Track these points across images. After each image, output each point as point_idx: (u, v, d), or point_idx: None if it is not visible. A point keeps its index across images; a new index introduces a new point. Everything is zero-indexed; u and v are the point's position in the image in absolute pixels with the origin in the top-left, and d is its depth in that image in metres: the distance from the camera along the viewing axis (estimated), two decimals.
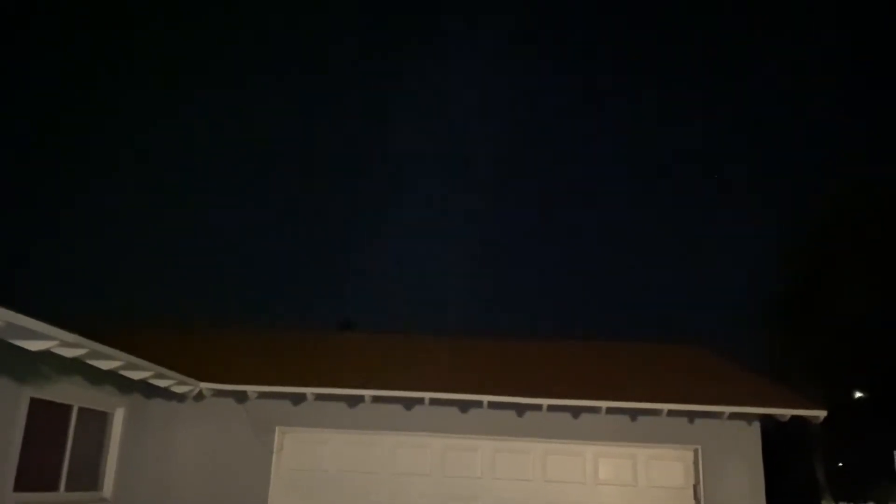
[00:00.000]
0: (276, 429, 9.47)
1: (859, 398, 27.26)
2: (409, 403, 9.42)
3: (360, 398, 9.26)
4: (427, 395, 9.07)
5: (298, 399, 9.38)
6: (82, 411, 7.66)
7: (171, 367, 8.18)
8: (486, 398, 9.00)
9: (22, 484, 6.52)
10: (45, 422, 7.01)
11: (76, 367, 6.99)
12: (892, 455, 27.45)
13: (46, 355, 6.28)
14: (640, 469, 9.42)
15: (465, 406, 9.38)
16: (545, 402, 8.98)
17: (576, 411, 9.28)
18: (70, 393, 7.35)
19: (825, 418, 8.92)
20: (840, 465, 32.66)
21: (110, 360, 7.02)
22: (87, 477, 7.90)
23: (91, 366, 7.02)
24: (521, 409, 9.29)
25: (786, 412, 8.94)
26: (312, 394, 9.17)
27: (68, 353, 6.41)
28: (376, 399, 9.27)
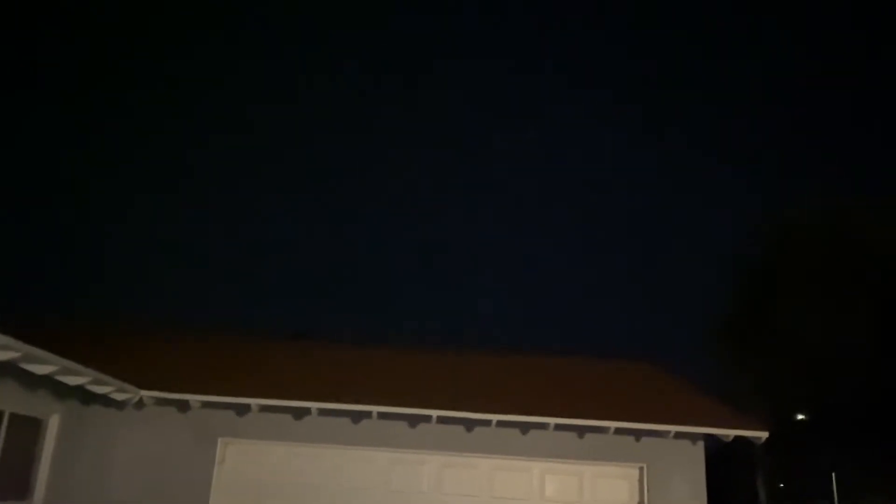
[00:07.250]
0: (219, 440, 9.24)
1: (800, 420, 27.91)
2: (356, 417, 9.28)
3: (307, 410, 9.10)
4: (375, 408, 8.96)
5: (243, 410, 9.17)
6: (14, 417, 7.38)
7: (110, 374, 7.92)
8: (435, 413, 8.93)
9: None
10: None
11: (8, 371, 6.73)
12: (831, 477, 28.15)
13: None
14: (587, 486, 9.44)
15: (413, 420, 9.28)
16: (494, 417, 8.95)
17: (524, 427, 9.27)
18: (0, 398, 7.05)
19: (767, 439, 9.08)
20: (781, 485, 33.38)
21: (45, 365, 6.78)
22: (17, 486, 7.61)
23: (24, 370, 6.76)
24: (469, 425, 9.24)
25: (729, 432, 9.06)
26: (257, 405, 8.98)
27: None
28: (323, 412, 9.12)
